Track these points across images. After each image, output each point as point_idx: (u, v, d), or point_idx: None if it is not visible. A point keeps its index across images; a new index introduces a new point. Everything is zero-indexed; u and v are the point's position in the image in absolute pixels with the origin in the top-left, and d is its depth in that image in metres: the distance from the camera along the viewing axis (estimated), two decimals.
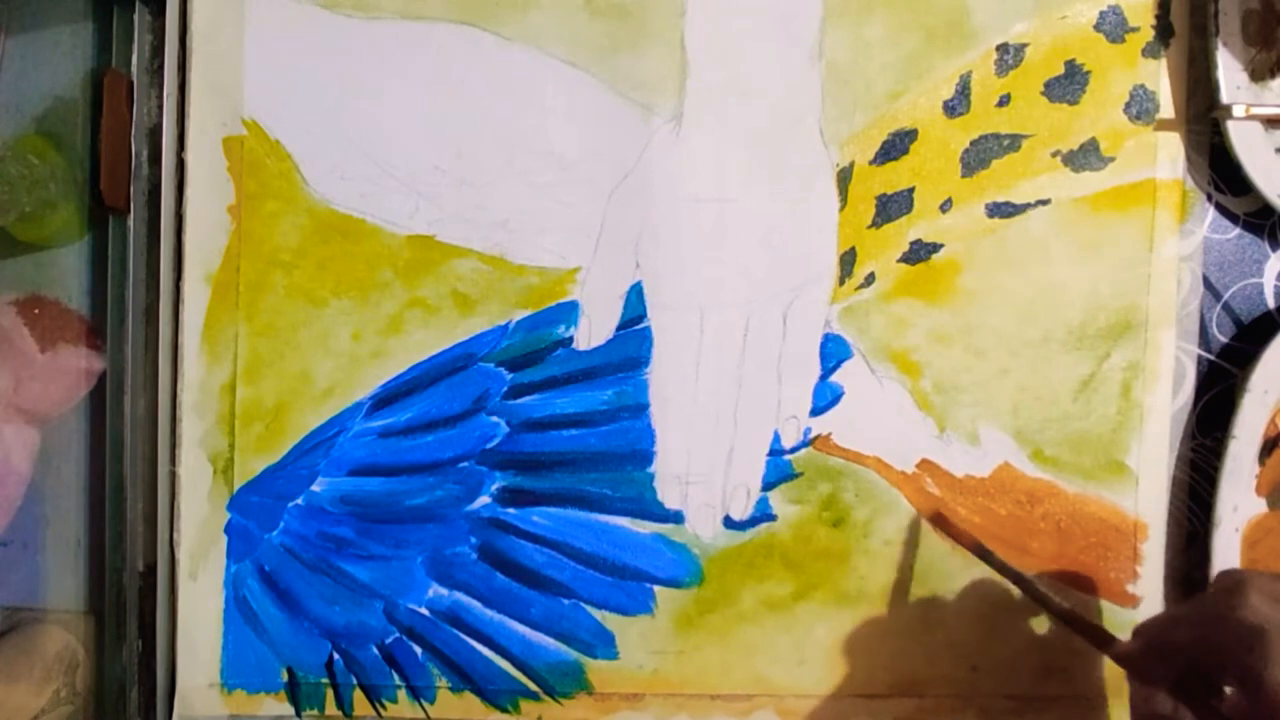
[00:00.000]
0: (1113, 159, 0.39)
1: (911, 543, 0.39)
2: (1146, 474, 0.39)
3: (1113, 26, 0.39)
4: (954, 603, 0.40)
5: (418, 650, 0.40)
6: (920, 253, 0.39)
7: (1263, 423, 0.38)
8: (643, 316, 0.39)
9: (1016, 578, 0.37)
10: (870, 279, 0.39)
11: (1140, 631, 0.33)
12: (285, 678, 0.40)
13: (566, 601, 0.40)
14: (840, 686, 0.40)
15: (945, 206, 0.39)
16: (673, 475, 0.39)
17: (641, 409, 0.39)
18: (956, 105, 0.39)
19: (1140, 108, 0.39)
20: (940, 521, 0.39)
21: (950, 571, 0.40)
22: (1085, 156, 0.39)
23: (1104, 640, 0.34)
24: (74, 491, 0.40)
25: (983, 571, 0.39)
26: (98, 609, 0.40)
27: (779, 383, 0.39)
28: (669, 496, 0.39)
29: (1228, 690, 0.29)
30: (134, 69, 0.39)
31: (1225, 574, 0.32)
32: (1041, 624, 0.40)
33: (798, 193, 0.39)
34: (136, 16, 0.39)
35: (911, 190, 0.39)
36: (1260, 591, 0.30)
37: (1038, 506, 0.39)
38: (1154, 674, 0.31)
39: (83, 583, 0.40)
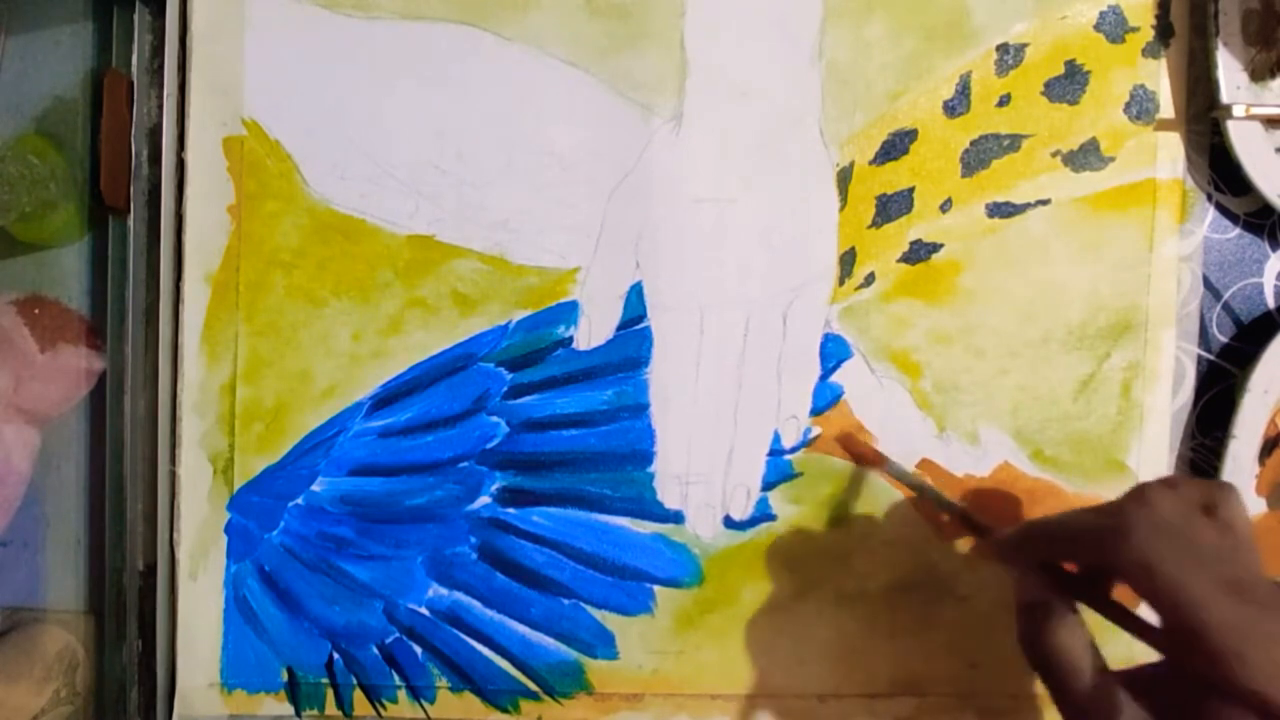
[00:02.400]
0: (1113, 159, 0.39)
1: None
2: (1146, 474, 0.39)
3: (1113, 26, 0.39)
4: (954, 602, 0.40)
5: (418, 650, 0.40)
6: (920, 253, 0.39)
7: (1263, 423, 0.38)
8: (643, 316, 0.39)
9: (910, 480, 0.37)
10: (870, 279, 0.39)
11: (1025, 523, 0.33)
12: (285, 678, 0.40)
13: (566, 601, 0.40)
14: (840, 686, 0.40)
15: (945, 206, 0.39)
16: (673, 475, 0.39)
17: (641, 409, 0.39)
18: (956, 105, 0.39)
19: (1140, 108, 0.39)
20: (845, 441, 0.39)
21: (950, 571, 0.40)
22: (1085, 156, 0.39)
23: (983, 531, 0.34)
24: (74, 491, 0.40)
25: (982, 570, 0.39)
26: (98, 609, 0.40)
27: (779, 383, 0.39)
28: (669, 496, 0.39)
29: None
30: (134, 69, 0.39)
31: (1139, 484, 0.31)
32: None
33: (798, 193, 0.39)
34: (136, 16, 0.39)
35: (911, 190, 0.39)
36: (1164, 498, 0.29)
37: (1038, 506, 0.39)
38: (1031, 561, 0.31)
39: (83, 583, 0.41)
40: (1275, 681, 0.24)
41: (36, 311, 0.39)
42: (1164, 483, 0.30)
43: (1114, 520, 0.28)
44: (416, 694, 0.40)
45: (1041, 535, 0.31)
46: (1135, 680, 0.28)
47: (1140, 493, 0.30)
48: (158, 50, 0.39)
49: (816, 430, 0.39)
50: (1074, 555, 0.30)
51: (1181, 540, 0.27)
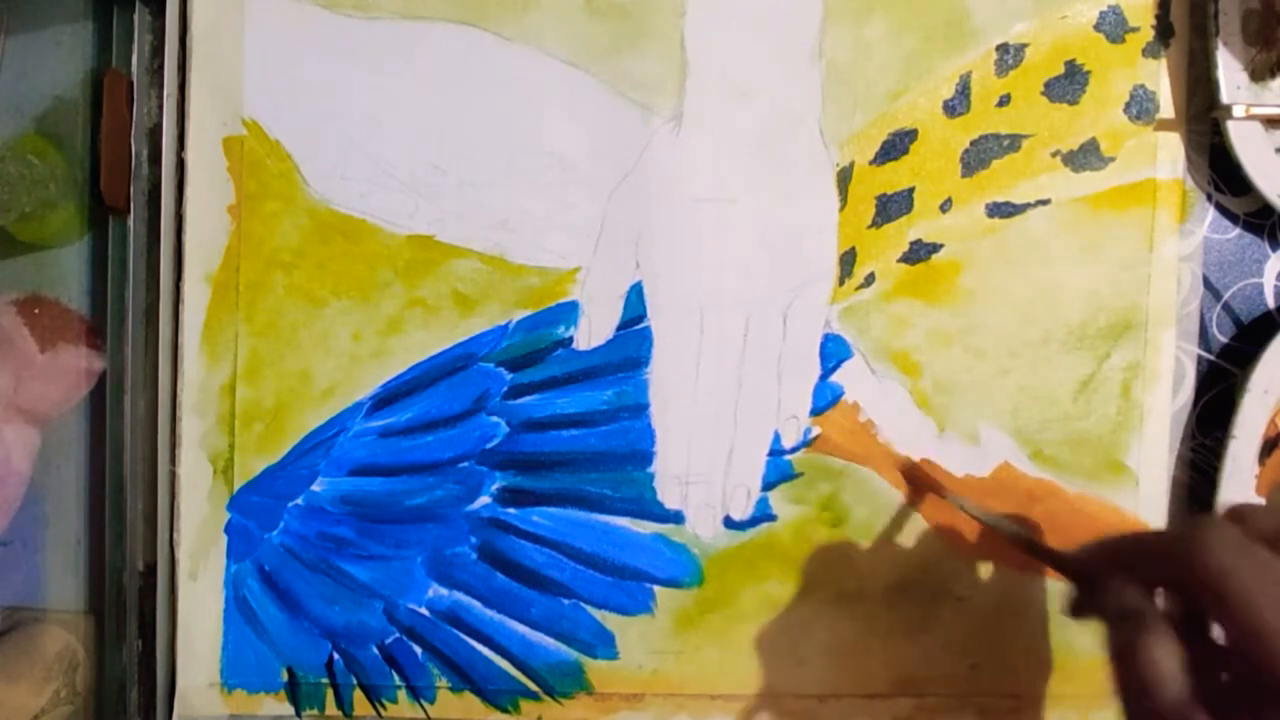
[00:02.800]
0: (1113, 159, 0.39)
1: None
2: (1146, 474, 0.39)
3: (1113, 26, 0.39)
4: (953, 602, 0.40)
5: (418, 650, 0.40)
6: (920, 253, 0.39)
7: (1263, 423, 0.38)
8: (643, 316, 0.39)
9: (972, 510, 0.37)
10: (870, 279, 0.39)
11: (1097, 541, 0.32)
12: (285, 678, 0.40)
13: (566, 601, 0.40)
14: (840, 686, 0.40)
15: (945, 206, 0.39)
16: (673, 475, 0.39)
17: (641, 409, 0.39)
18: (956, 105, 0.39)
19: (1140, 108, 0.39)
20: (909, 471, 0.39)
21: (949, 571, 0.40)
22: (1085, 156, 0.39)
23: (1050, 555, 0.34)
24: (74, 491, 0.40)
25: (981, 570, 0.39)
26: (98, 609, 0.40)
27: (779, 383, 0.39)
28: (669, 496, 0.39)
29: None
30: (134, 69, 0.39)
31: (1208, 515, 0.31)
32: (1040, 622, 0.40)
33: (798, 193, 0.39)
34: (136, 16, 0.39)
35: (911, 190, 0.39)
36: (1239, 524, 0.29)
37: (1038, 506, 0.39)
38: (1111, 574, 0.30)
39: (83, 583, 0.41)
40: None
41: (36, 311, 0.39)
42: (1235, 511, 0.30)
43: (1194, 535, 0.28)
44: (416, 694, 0.40)
45: (1120, 549, 0.30)
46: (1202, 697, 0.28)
47: (1213, 518, 0.30)
48: (158, 50, 0.39)
49: (816, 430, 0.39)
50: (1151, 569, 0.29)
51: (1258, 562, 0.27)
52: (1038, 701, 0.40)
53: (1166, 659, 0.28)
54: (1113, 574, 0.30)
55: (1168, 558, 0.28)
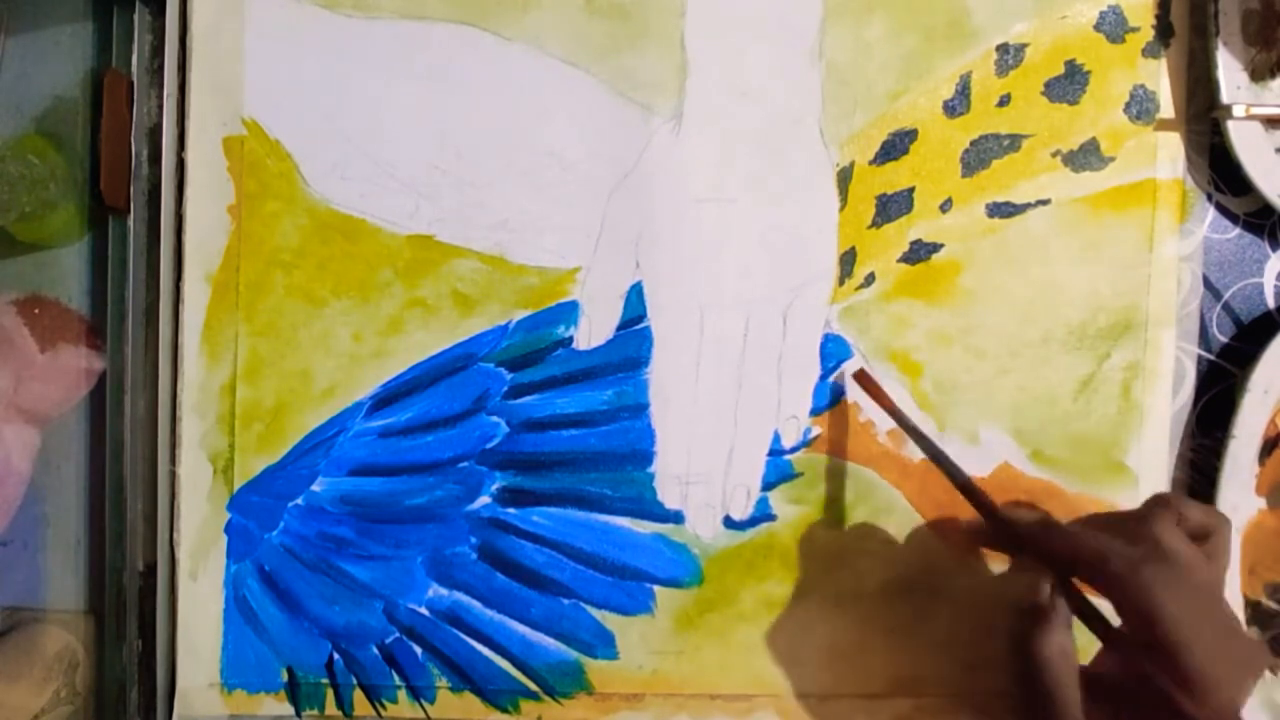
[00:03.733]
0: (1113, 159, 0.39)
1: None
2: (1146, 474, 0.39)
3: (1113, 26, 0.39)
4: (950, 602, 0.40)
5: (418, 650, 0.40)
6: (920, 253, 0.39)
7: (1263, 423, 0.38)
8: (643, 316, 0.39)
9: (929, 446, 0.37)
10: (870, 279, 0.39)
11: (1047, 524, 0.34)
12: (285, 678, 0.40)
13: (566, 601, 0.40)
14: (839, 686, 0.40)
15: (945, 206, 0.39)
16: (673, 475, 0.39)
17: (641, 409, 0.39)
18: (956, 105, 0.39)
19: (1140, 108, 0.39)
20: (862, 377, 0.38)
21: (947, 571, 0.40)
22: (1085, 156, 0.39)
23: (990, 511, 0.35)
24: (74, 491, 0.40)
25: (981, 570, 0.39)
26: (98, 609, 0.40)
27: (779, 382, 0.39)
28: (669, 496, 0.39)
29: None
30: (134, 69, 0.39)
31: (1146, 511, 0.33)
32: None
33: (798, 193, 0.39)
34: (136, 16, 0.39)
35: (911, 190, 0.39)
36: (1168, 526, 0.31)
37: (1038, 507, 0.39)
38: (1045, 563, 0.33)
39: (83, 583, 0.41)
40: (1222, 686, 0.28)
41: (36, 311, 0.39)
42: (1167, 506, 0.32)
43: (1126, 556, 0.30)
44: (416, 694, 0.40)
45: (1064, 548, 0.32)
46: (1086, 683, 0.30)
47: (1148, 525, 0.31)
48: (158, 50, 0.39)
49: (816, 430, 0.39)
50: (1082, 572, 0.31)
51: (1176, 572, 0.30)
52: None
53: (1067, 663, 0.30)
54: (1034, 557, 0.33)
55: (1107, 577, 0.30)
